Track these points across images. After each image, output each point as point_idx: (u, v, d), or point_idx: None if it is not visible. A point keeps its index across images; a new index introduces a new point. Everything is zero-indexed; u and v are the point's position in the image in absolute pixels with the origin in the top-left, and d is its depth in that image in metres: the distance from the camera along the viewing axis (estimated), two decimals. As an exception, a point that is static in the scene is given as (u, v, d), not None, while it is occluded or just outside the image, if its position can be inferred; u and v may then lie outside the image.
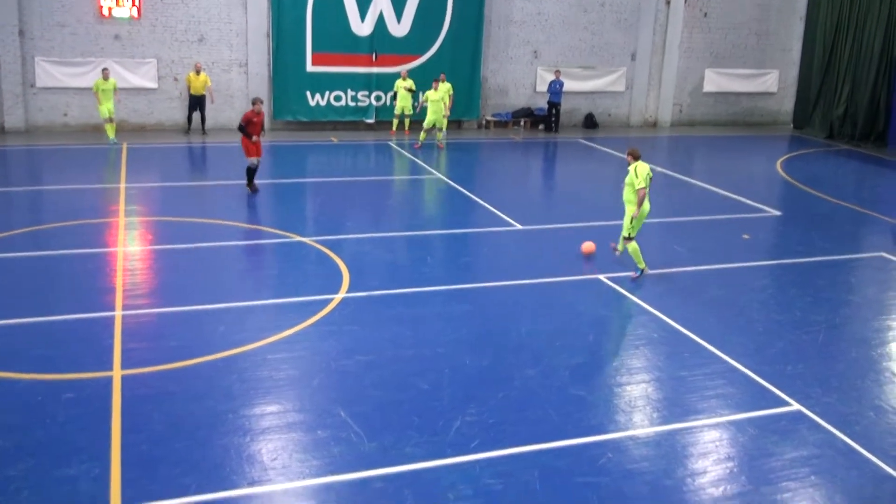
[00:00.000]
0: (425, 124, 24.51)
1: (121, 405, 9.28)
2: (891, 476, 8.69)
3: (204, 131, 25.97)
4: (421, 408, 9.52)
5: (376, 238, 16.05)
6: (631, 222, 13.78)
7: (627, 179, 13.79)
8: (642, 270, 14.04)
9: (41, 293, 12.75)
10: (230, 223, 16.43)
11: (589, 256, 14.66)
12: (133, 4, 25.25)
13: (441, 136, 25.04)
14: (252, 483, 8.00)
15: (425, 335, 11.50)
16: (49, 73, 25.19)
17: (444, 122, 25.14)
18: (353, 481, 8.10)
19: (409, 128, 27.06)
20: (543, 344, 11.37)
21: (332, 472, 8.21)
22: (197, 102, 25.70)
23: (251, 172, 18.69)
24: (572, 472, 8.41)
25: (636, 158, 13.80)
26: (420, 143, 25.05)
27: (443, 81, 26.08)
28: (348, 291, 12.91)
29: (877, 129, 29.26)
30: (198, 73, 25.39)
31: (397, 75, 26.99)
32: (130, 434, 8.71)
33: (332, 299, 12.55)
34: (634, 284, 13.73)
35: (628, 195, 13.85)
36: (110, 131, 24.08)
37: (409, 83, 26.50)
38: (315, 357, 10.75)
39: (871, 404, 10.29)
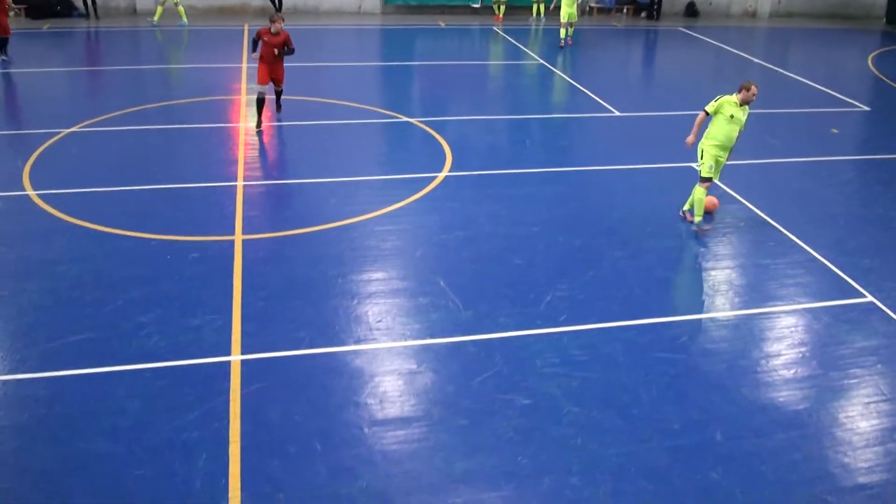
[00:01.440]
0: (562, 18, 23.14)
1: (241, 266, 9.70)
2: (959, 368, 8.54)
3: (279, 7, 25.22)
4: (514, 281, 9.67)
5: (478, 120, 15.99)
6: (702, 158, 11.31)
7: (741, 118, 11.13)
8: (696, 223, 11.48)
9: (172, 162, 13.22)
10: (343, 102, 16.56)
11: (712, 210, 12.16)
12: None
13: (571, 31, 23.23)
14: (358, 341, 8.34)
15: (521, 214, 11.56)
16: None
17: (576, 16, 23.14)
18: (450, 344, 8.36)
19: (505, 14, 26.34)
20: (634, 227, 11.32)
21: (431, 336, 8.49)
22: None
23: (259, 103, 14.59)
24: (653, 347, 8.49)
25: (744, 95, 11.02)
26: (562, 41, 23.13)
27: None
28: (450, 171, 13.00)
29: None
30: None
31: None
32: (250, 291, 9.13)
33: (435, 177, 12.67)
34: (725, 173, 13.38)
35: (708, 127, 11.34)
36: (182, 14, 23.91)
37: None
38: (418, 230, 10.95)
39: (946, 300, 10.02)
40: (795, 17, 30.33)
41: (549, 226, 11.23)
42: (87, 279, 9.33)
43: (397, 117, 15.70)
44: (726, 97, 11.09)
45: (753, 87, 10.98)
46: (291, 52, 14.57)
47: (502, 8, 26.28)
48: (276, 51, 14.33)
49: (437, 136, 14.57)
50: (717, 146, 11.13)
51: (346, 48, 21.95)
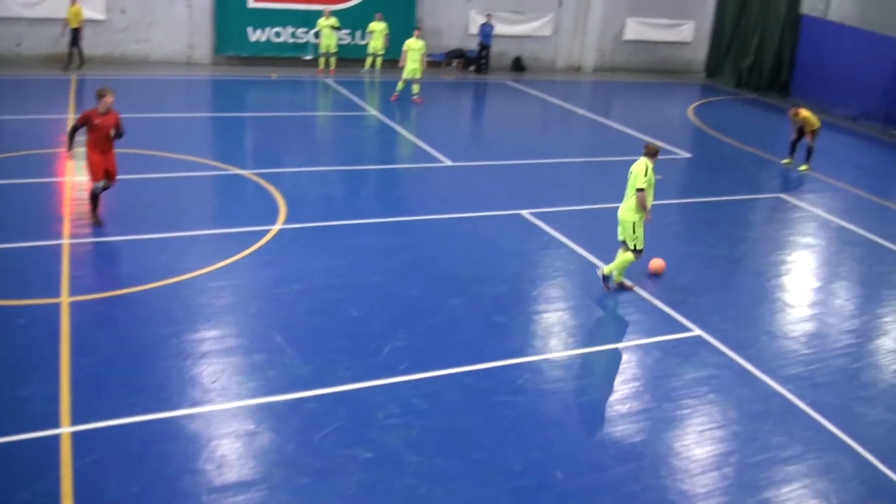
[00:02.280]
0: (404, 75, 23.17)
1: (69, 330, 9.16)
2: (779, 393, 9.10)
3: (82, 62, 23.78)
4: (353, 333, 9.59)
5: (312, 172, 15.90)
6: (635, 231, 11.06)
7: (633, 173, 11.02)
8: (608, 278, 11.35)
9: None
10: (172, 155, 16.09)
11: (656, 274, 12.02)
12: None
13: (417, 89, 23.00)
14: (194, 404, 8.01)
15: (357, 265, 11.52)
16: (3, 2, 23.96)
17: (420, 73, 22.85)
18: (288, 401, 8.17)
19: (335, 66, 26.48)
20: (469, 274, 11.49)
21: (268, 394, 8.26)
22: (73, 35, 23.38)
23: (94, 197, 12.22)
24: (493, 391, 8.59)
25: (652, 156, 11.02)
26: (396, 93, 23.00)
27: (379, 21, 25.77)
28: (285, 223, 12.82)
29: (780, 80, 29.96)
30: (73, 3, 23.20)
31: (335, 13, 26.42)
32: (79, 356, 8.62)
33: (269, 230, 12.46)
34: (553, 219, 13.85)
35: (630, 202, 11.09)
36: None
37: (333, 21, 25.87)
38: (252, 285, 10.70)
39: (763, 330, 10.69)
40: (619, 72, 32.00)
41: (386, 276, 11.23)
42: None
43: (229, 170, 15.38)
44: (647, 162, 10.89)
45: (651, 146, 11.02)
46: (121, 135, 12.16)
47: (333, 60, 26.38)
48: (111, 132, 12.01)
49: (271, 188, 14.37)
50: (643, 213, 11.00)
51: (176, 99, 21.39)
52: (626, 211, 11.02)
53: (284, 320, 9.82)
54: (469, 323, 10.09)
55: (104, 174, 12.07)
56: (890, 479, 7.86)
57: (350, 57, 27.09)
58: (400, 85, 22.85)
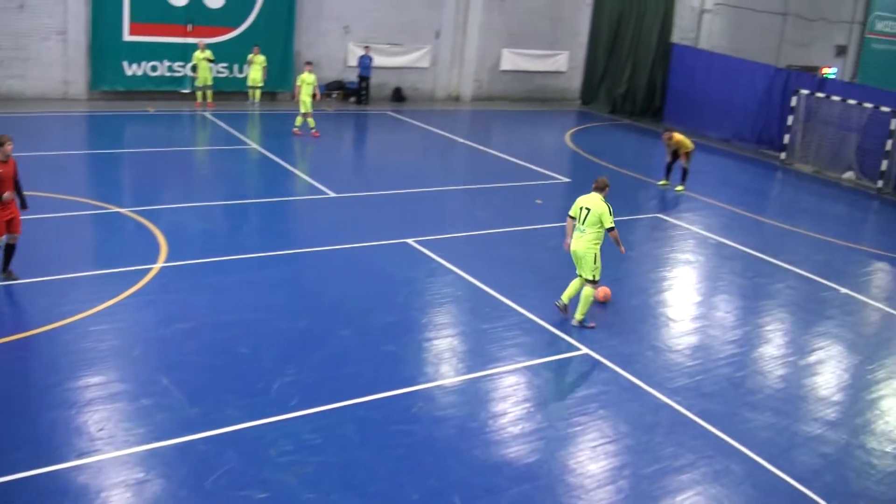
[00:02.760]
0: (301, 109, 22.84)
1: (-60, 383, 8.66)
2: (667, 404, 9.40)
3: None
4: (241, 371, 9.39)
5: (193, 208, 15.54)
6: (595, 262, 11.27)
7: (597, 212, 11.15)
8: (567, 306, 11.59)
9: None
10: (48, 195, 15.43)
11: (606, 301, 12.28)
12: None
13: (313, 122, 22.83)
14: (81, 454, 7.67)
15: (243, 301, 11.30)
16: None
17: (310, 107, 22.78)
18: (178, 445, 7.92)
19: (212, 99, 26.08)
20: (356, 305, 11.44)
21: (157, 439, 7.99)
22: None
23: (7, 253, 11.41)
24: (386, 421, 8.55)
25: (602, 189, 11.44)
26: (297, 128, 22.77)
27: (257, 54, 25.55)
28: (166, 261, 12.48)
29: (654, 106, 31.32)
30: None
31: (213, 46, 26.04)
32: (-48, 413, 8.16)
33: (150, 269, 12.10)
34: (439, 246, 13.96)
35: (595, 233, 11.21)
36: None
37: (208, 53, 25.54)
38: (136, 327, 10.36)
39: (649, 345, 11.02)
40: (496, 101, 32.61)
41: (273, 311, 11.06)
42: None
43: (108, 208, 14.89)
44: (602, 198, 11.22)
45: (601, 181, 11.40)
46: (18, 185, 11.22)
47: (209, 94, 25.96)
48: (13, 181, 11.10)
49: (151, 226, 13.97)
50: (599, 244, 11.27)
51: (51, 136, 20.56)
52: (586, 244, 11.16)
53: (170, 362, 9.53)
54: (359, 354, 10.03)
55: (6, 227, 11.11)
56: (781, 480, 8.23)
57: (229, 90, 26.73)
58: (299, 120, 22.71)
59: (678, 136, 19.56)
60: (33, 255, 12.47)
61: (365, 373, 9.55)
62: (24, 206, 11.44)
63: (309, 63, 23.67)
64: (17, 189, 11.24)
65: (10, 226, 11.21)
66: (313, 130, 22.72)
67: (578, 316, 11.26)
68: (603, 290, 12.08)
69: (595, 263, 11.20)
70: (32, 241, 13.04)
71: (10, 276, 11.38)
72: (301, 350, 9.99)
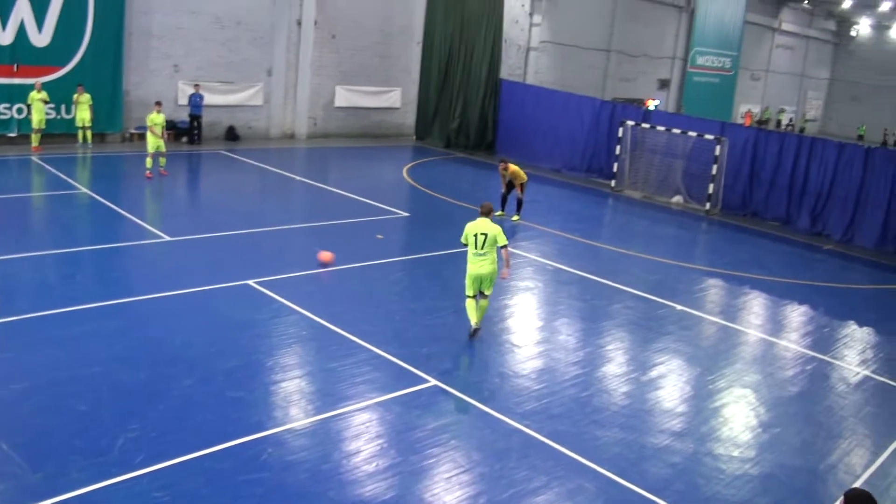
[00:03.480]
0: (149, 149, 21.95)
1: None
2: (518, 429, 9.55)
3: None
4: (82, 430, 8.83)
5: (21, 259, 14.58)
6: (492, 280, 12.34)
7: (493, 233, 11.99)
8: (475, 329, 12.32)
9: None
10: None
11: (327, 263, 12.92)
12: None
13: (163, 162, 22.40)
14: None
15: (80, 355, 10.66)
16: None
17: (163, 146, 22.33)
18: (11, 513, 7.35)
19: (42, 142, 24.80)
20: (198, 352, 11.03)
21: (-10, 509, 7.40)
22: None
23: None
24: (236, 471, 8.25)
25: (488, 213, 12.32)
26: (149, 170, 22.07)
27: (82, 93, 24.55)
28: (-9, 317, 11.66)
29: (486, 139, 32.30)
30: None
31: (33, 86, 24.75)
32: None
33: (-31, 327, 11.27)
34: (280, 286, 13.70)
35: (494, 253, 12.16)
36: None
37: (44, 94, 24.37)
38: (-43, 390, 9.59)
39: (496, 372, 11.19)
40: (332, 137, 32.55)
41: (111, 364, 10.50)
42: None
43: (-86, 265, 13.78)
44: (490, 221, 12.13)
45: (486, 205, 12.41)
46: None
47: (37, 136, 24.63)
48: None
49: (-32, 282, 13.03)
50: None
51: None
52: (492, 265, 12.12)
53: (7, 425, 8.83)
54: (203, 403, 9.65)
55: None
56: (633, 492, 8.50)
57: (57, 132, 25.42)
58: (149, 161, 21.90)
59: (513, 167, 20.13)
60: None
61: (211, 422, 9.19)
62: None
63: (158, 103, 22.96)
64: None
65: None
66: (162, 169, 22.16)
67: (478, 321, 12.29)
68: (324, 255, 14.00)
69: (495, 279, 12.37)
70: None
71: None
72: (143, 403, 9.51)
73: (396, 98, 34.57)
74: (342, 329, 12.10)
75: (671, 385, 11.51)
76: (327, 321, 12.36)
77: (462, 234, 12.19)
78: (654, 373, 11.83)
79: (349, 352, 11.38)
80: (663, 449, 9.55)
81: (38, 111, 24.32)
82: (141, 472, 8.12)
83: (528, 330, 13.24)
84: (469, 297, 12.27)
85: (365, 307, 13.26)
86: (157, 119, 22.05)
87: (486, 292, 12.32)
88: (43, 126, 24.56)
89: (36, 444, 8.53)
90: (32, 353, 10.65)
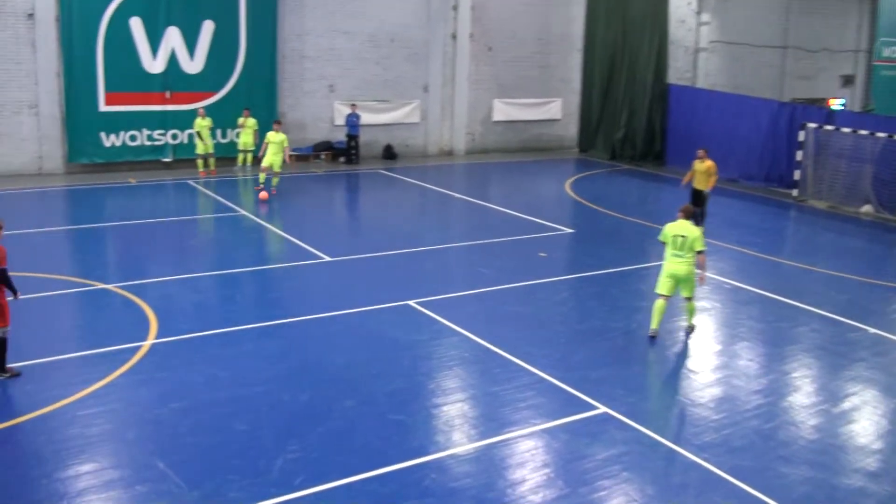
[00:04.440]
0: (263, 163, 23.23)
1: (-79, 479, 8.50)
2: (695, 462, 9.22)
3: None
4: (241, 450, 9.23)
5: (182, 280, 15.48)
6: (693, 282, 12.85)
7: (692, 237, 12.59)
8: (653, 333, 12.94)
9: None
10: (30, 274, 15.39)
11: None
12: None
13: (276, 181, 23.35)
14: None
15: (239, 375, 11.18)
16: None
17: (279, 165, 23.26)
18: (177, 532, 7.75)
19: (214, 166, 26.26)
20: (359, 373, 11.31)
21: (154, 526, 7.83)
22: None
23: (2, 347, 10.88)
24: (398, 496, 8.38)
25: (691, 216, 13.19)
26: (260, 185, 23.22)
27: (247, 117, 25.84)
28: (157, 337, 12.38)
29: (654, 149, 31.50)
30: None
31: (193, 113, 26.25)
32: (-66, 510, 7.99)
33: (140, 346, 11.99)
34: (442, 306, 13.87)
35: (693, 256, 12.63)
36: None
37: (209, 121, 25.84)
38: (128, 408, 10.21)
39: (670, 400, 10.91)
40: (491, 153, 32.84)
41: (272, 384, 10.93)
42: None
43: (92, 285, 14.82)
44: (692, 225, 12.86)
45: (688, 208, 13.17)
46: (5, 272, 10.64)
47: (211, 161, 26.12)
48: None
49: (139, 301, 13.89)
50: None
51: (27, 214, 20.60)
52: (689, 267, 12.63)
53: (166, 444, 9.37)
54: (365, 425, 9.87)
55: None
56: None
57: (218, 155, 26.84)
58: (262, 177, 22.93)
59: (709, 161, 19.75)
60: (15, 338, 12.36)
61: (372, 444, 9.39)
62: (14, 293, 10.86)
63: (278, 122, 24.00)
64: (5, 278, 10.64)
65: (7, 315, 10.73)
66: (273, 189, 23.10)
67: (692, 321, 13.17)
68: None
69: (695, 282, 12.81)
70: (14, 324, 12.96)
71: (11, 373, 10.90)
72: (304, 424, 9.84)
73: (557, 109, 34.49)
74: (505, 351, 12.11)
75: (865, 419, 10.84)
76: (490, 343, 12.40)
77: (660, 233, 12.99)
78: (845, 404, 11.18)
79: (513, 375, 11.37)
80: (857, 491, 8.97)
81: (205, 137, 25.76)
82: (301, 494, 8.37)
83: (706, 354, 12.82)
84: (661, 295, 12.75)
85: (529, 329, 13.24)
86: (274, 138, 22.96)
87: (687, 295, 12.83)
88: (210, 151, 26.00)
89: (194, 462, 8.97)
90: (192, 373, 11.23)
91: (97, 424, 9.76)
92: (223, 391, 10.68)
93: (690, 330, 13.19)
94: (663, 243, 12.90)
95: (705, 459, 9.29)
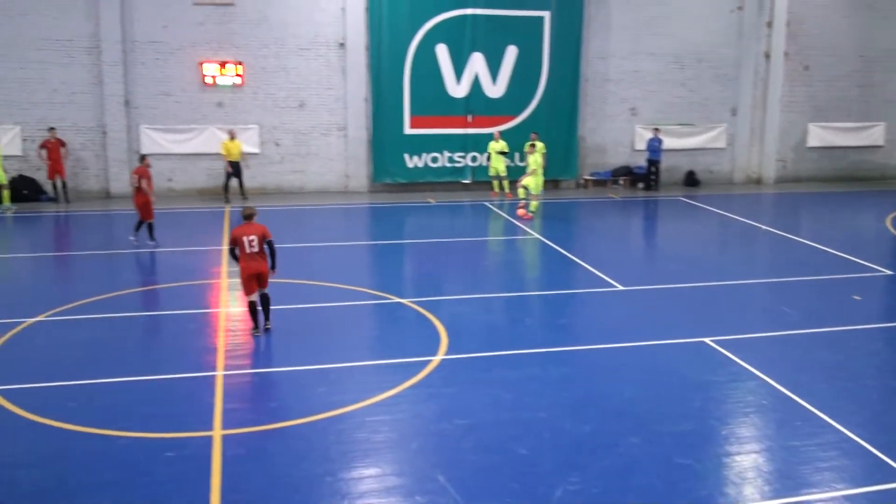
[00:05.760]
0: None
1: (221, 465, 9.41)
2: None
3: (244, 196, 26.12)
4: (520, 473, 9.37)
5: (474, 299, 16.04)
6: None
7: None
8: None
9: (145, 352, 13.18)
10: (332, 284, 16.66)
11: None
12: (237, 73, 26.25)
13: (534, 206, 23.79)
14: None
15: (524, 398, 11.37)
16: (154, 140, 26.31)
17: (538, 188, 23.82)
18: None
19: (509, 189, 27.06)
20: (647, 409, 11.12)
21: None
22: (235, 169, 25.95)
23: (253, 309, 13.77)
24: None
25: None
26: (522, 203, 24.04)
27: (534, 140, 26.49)
28: (447, 353, 12.90)
29: None
30: (232, 139, 25.85)
31: (492, 136, 27.23)
32: (229, 494, 8.80)
33: (430, 361, 12.56)
34: (741, 347, 13.32)
35: None
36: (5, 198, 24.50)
37: (502, 145, 26.68)
38: (413, 420, 10.73)
39: None
40: (804, 182, 31.16)
41: (555, 410, 11.02)
42: (49, 485, 9.03)
43: (389, 298, 15.75)
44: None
45: None
46: (272, 246, 13.56)
47: (505, 183, 27.02)
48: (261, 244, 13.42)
49: (431, 317, 14.57)
50: None
51: (333, 228, 22.32)
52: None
53: (448, 458, 9.74)
54: (649, 465, 9.68)
55: (256, 283, 13.51)
56: None
57: (514, 178, 27.61)
58: (521, 192, 23.44)
59: None
60: (314, 342, 13.45)
61: (656, 487, 9.18)
62: (272, 267, 13.65)
63: (535, 133, 24.62)
64: (269, 247, 13.50)
65: (260, 280, 13.54)
66: (508, 192, 25.20)
67: None
68: None
69: None
70: (313, 329, 14.11)
71: (259, 331, 13.64)
72: (585, 456, 9.83)
73: (879, 134, 31.98)
74: (808, 402, 11.40)
75: None
76: (792, 391, 11.74)
77: None
78: None
79: (815, 430, 10.67)
80: None
81: (496, 160, 26.66)
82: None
83: None
84: None
85: (837, 380, 12.37)
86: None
87: None
88: (502, 174, 26.85)
89: (474, 481, 9.21)
90: (477, 392, 11.57)
91: (383, 432, 10.34)
92: (506, 413, 10.92)
93: None
94: None
95: None
